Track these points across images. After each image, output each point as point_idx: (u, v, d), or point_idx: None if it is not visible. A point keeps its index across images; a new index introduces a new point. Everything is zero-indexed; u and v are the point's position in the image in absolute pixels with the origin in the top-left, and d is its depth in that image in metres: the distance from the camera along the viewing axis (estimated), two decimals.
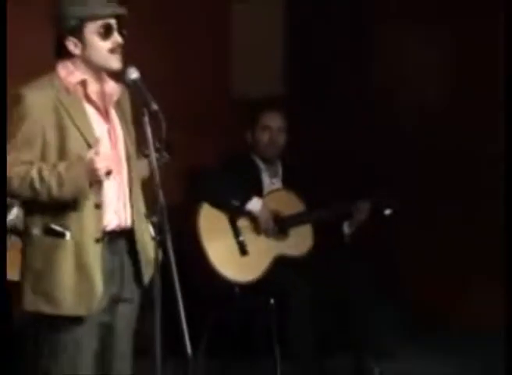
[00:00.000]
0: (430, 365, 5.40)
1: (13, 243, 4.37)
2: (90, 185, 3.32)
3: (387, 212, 5.27)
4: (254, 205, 5.25)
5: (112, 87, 3.52)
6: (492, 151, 5.55)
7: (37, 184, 3.32)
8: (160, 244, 3.26)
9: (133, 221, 3.51)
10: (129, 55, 3.49)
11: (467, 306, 5.95)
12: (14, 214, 4.44)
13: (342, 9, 6.51)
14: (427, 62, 6.21)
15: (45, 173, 3.32)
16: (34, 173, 3.32)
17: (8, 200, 4.32)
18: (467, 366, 5.28)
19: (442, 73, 6.20)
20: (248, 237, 5.24)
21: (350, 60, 6.53)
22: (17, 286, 3.79)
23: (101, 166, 3.30)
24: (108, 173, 3.34)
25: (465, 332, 5.72)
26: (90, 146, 3.38)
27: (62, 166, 3.34)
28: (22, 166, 3.37)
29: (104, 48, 3.43)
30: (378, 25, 6.42)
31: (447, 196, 6.10)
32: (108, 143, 3.48)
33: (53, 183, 3.31)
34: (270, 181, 5.46)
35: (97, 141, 3.34)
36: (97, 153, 3.31)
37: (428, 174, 6.11)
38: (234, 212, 5.23)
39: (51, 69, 3.48)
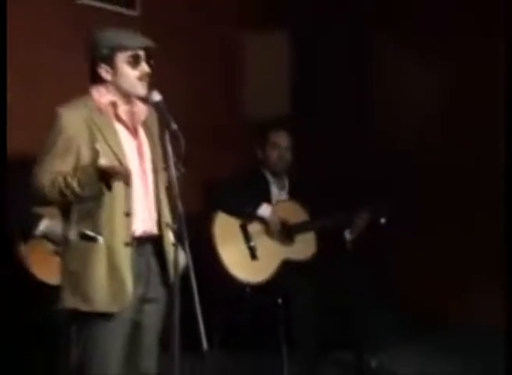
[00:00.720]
0: (429, 364, 5.39)
1: (46, 248, 4.52)
2: (105, 182, 3.37)
3: (382, 220, 5.26)
4: (265, 210, 5.29)
5: (140, 108, 3.60)
6: (491, 168, 5.46)
7: (63, 188, 3.38)
8: (179, 249, 3.31)
9: (159, 228, 3.57)
10: (154, 79, 3.59)
11: (467, 306, 5.90)
12: (44, 224, 4.49)
13: (343, 42, 6.56)
14: (427, 81, 6.18)
15: (68, 178, 3.38)
16: (60, 179, 3.38)
17: (39, 212, 4.47)
18: (466, 365, 5.23)
19: (443, 91, 6.15)
20: (258, 242, 5.26)
21: (350, 82, 6.56)
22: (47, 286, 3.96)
23: (106, 163, 3.33)
24: (127, 179, 3.43)
25: (464, 331, 5.66)
26: (119, 161, 3.47)
27: (79, 171, 3.39)
28: (51, 175, 3.44)
29: (132, 76, 3.52)
30: (378, 46, 6.44)
31: (446, 204, 6.07)
32: (136, 157, 3.56)
33: (74, 183, 3.35)
34: (278, 193, 5.51)
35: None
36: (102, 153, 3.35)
37: (427, 185, 6.08)
38: (247, 217, 5.27)
39: (86, 91, 3.56)
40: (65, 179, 3.38)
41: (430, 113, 6.19)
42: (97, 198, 3.45)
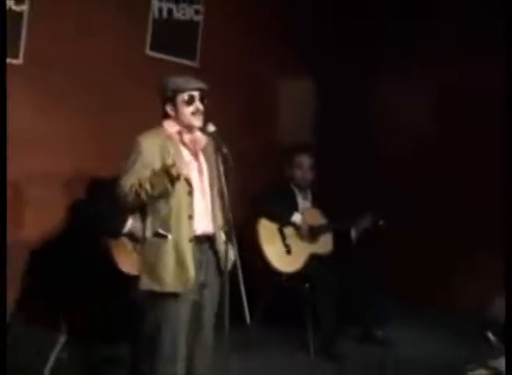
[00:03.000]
0: (421, 334, 5.41)
1: (128, 245, 4.59)
2: (171, 183, 3.41)
3: (381, 222, 5.24)
4: (297, 217, 5.33)
5: (199, 136, 3.66)
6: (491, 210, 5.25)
7: (139, 191, 3.43)
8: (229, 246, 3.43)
9: (214, 229, 3.62)
10: (211, 114, 3.65)
11: (449, 293, 5.77)
12: (129, 224, 4.55)
13: (351, 87, 6.47)
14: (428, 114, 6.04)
15: (142, 181, 3.43)
16: (136, 183, 3.44)
17: (125, 216, 4.47)
18: (448, 336, 5.22)
19: (445, 123, 5.97)
20: (291, 241, 5.29)
21: (357, 117, 6.47)
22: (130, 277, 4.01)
23: (174, 166, 3.40)
24: (178, 177, 3.43)
25: (443, 312, 5.52)
26: (186, 178, 3.50)
27: (150, 175, 3.44)
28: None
29: (188, 112, 3.59)
30: (381, 78, 6.30)
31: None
32: (197, 174, 3.60)
33: (147, 185, 3.42)
34: (303, 202, 5.52)
35: (174, 163, 3.42)
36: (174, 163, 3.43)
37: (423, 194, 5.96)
38: (284, 223, 5.29)
39: (158, 124, 3.64)
40: (139, 182, 3.45)
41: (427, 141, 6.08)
42: (167, 204, 3.50)
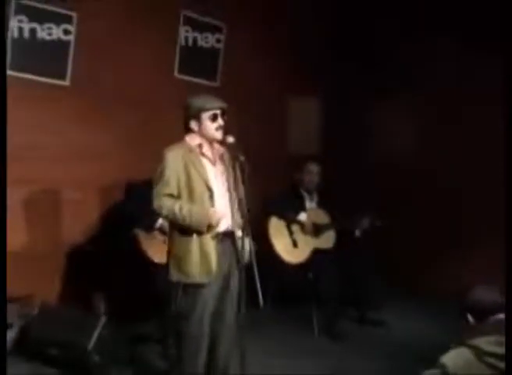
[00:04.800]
0: (413, 316, 5.40)
1: (159, 238, 4.53)
2: (208, 227, 3.47)
3: (378, 223, 5.23)
4: (302, 216, 5.29)
5: (217, 147, 3.66)
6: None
7: (178, 216, 3.45)
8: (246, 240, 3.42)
9: (233, 227, 3.61)
10: (230, 127, 3.66)
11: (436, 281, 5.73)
12: (159, 222, 4.51)
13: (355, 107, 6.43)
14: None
15: (183, 211, 3.45)
16: (177, 209, 3.45)
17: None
18: (429, 317, 5.25)
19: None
20: (298, 236, 5.24)
21: (359, 130, 6.43)
22: (160, 266, 4.00)
23: (215, 219, 3.48)
24: (217, 224, 3.49)
25: (433, 298, 5.45)
26: (206, 182, 3.53)
27: (195, 210, 3.46)
28: (166, 199, 3.48)
29: (212, 127, 3.57)
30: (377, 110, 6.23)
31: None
32: (215, 180, 3.59)
33: (187, 218, 3.44)
34: (310, 203, 5.46)
35: (215, 210, 3.48)
36: (215, 212, 3.48)
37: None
38: (291, 221, 5.24)
39: (181, 138, 3.64)
40: (180, 209, 3.45)
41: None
42: None
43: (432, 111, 6.00)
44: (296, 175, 5.51)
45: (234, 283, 3.62)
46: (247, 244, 3.50)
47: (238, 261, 3.58)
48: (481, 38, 5.49)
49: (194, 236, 3.50)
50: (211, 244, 3.52)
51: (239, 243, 3.56)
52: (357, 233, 5.32)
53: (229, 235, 3.62)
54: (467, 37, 5.59)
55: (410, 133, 6.06)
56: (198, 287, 3.52)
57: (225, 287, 3.63)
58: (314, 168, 5.48)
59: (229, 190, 3.64)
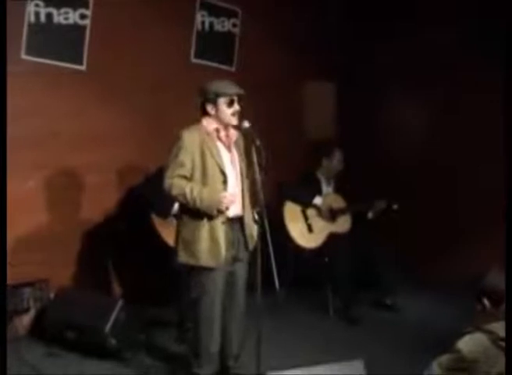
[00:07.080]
0: (420, 300, 5.37)
1: (171, 222, 4.44)
2: (218, 211, 3.47)
3: (395, 206, 5.16)
4: (318, 200, 5.26)
5: (232, 132, 3.66)
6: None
7: (188, 197, 3.45)
8: (261, 225, 3.35)
9: (243, 211, 3.62)
10: (246, 112, 3.64)
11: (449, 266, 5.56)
12: (176, 206, 4.32)
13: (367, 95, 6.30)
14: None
15: (194, 192, 3.45)
16: (188, 190, 3.45)
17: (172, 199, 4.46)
18: (442, 302, 5.22)
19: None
20: (313, 221, 5.23)
21: (373, 116, 6.27)
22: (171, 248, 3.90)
23: (226, 203, 3.47)
24: (227, 208, 3.49)
25: (443, 283, 5.30)
26: (220, 167, 3.53)
27: (205, 192, 3.46)
28: (178, 179, 3.48)
29: (228, 113, 3.57)
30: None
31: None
32: (230, 164, 3.60)
33: (197, 200, 3.44)
34: (326, 188, 5.45)
35: (225, 195, 3.46)
36: (226, 196, 3.47)
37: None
38: (307, 205, 5.23)
39: (198, 121, 3.64)
40: (191, 191, 3.45)
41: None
42: None
43: (449, 99, 5.87)
44: (320, 159, 5.46)
45: (243, 267, 3.65)
46: (255, 230, 3.51)
47: (247, 246, 3.61)
48: None
49: (205, 220, 3.50)
50: (220, 229, 3.52)
51: (247, 228, 3.59)
52: (370, 215, 5.30)
53: (238, 220, 3.62)
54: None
55: (424, 117, 6.02)
56: (207, 270, 3.53)
57: (234, 271, 3.63)
58: (339, 154, 5.46)
59: (241, 174, 3.65)
